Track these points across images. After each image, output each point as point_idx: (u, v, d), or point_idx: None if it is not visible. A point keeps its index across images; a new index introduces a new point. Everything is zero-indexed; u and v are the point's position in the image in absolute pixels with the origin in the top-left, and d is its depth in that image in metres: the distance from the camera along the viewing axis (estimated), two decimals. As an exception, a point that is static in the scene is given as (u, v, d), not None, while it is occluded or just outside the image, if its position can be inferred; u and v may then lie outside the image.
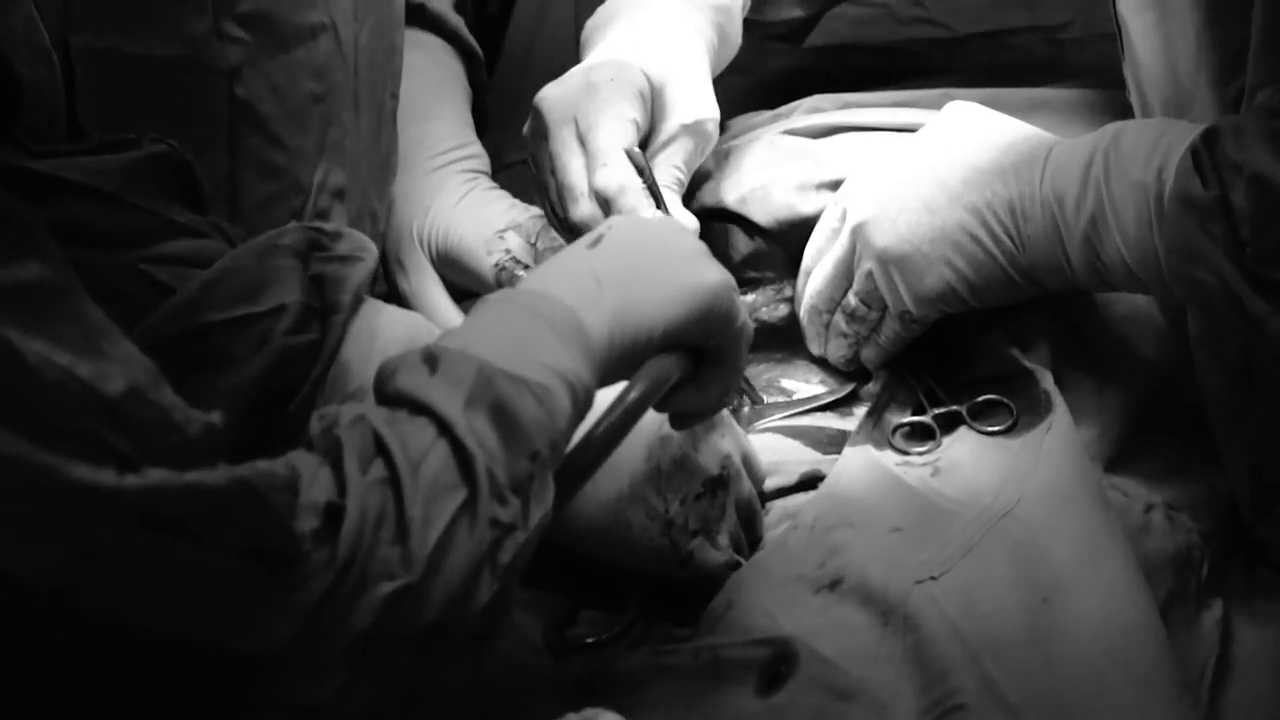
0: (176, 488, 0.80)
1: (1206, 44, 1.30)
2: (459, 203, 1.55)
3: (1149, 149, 1.25)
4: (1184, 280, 1.22)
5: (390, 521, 0.87)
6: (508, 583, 0.91)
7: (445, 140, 1.58)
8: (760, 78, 1.85)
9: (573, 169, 1.38)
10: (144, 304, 1.09)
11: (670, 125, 1.43)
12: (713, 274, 1.07)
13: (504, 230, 1.50)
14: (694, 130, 1.43)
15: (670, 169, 1.41)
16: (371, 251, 1.17)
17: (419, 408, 0.91)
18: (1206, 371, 1.33)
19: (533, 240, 1.51)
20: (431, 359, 0.93)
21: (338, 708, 0.85)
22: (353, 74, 1.33)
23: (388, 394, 0.93)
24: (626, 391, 1.03)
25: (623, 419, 1.02)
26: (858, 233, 1.37)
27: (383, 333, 1.15)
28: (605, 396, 1.02)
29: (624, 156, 1.37)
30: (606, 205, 1.36)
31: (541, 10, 2.01)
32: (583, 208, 1.38)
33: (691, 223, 1.39)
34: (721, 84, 1.72)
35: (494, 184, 1.59)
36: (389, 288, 1.56)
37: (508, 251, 1.49)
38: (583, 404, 0.97)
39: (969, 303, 1.35)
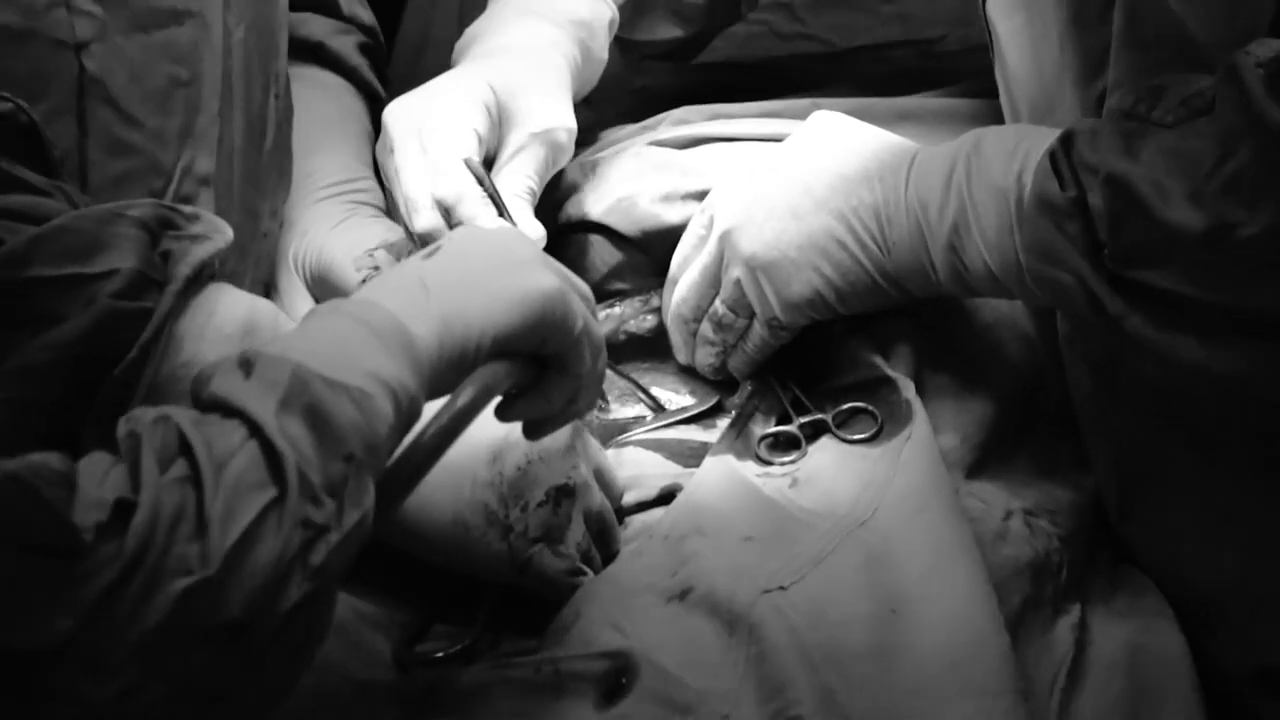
0: None
1: (1070, 46, 1.29)
2: (335, 227, 1.53)
3: (1008, 154, 1.25)
4: (1044, 281, 1.21)
5: (189, 518, 0.85)
6: (321, 585, 0.89)
7: (334, 174, 1.57)
8: (643, 97, 1.84)
9: (415, 180, 1.37)
10: None
11: (519, 135, 1.42)
12: (546, 280, 1.05)
13: (374, 249, 1.48)
14: (544, 139, 1.42)
15: (521, 178, 1.40)
16: (224, 234, 1.15)
17: (230, 410, 0.89)
18: (1074, 371, 1.33)
19: (403, 258, 1.48)
20: (247, 363, 0.92)
21: (129, 705, 0.82)
22: (222, 65, 1.31)
23: (202, 400, 0.91)
24: (454, 398, 1.01)
25: (450, 425, 1.00)
26: (725, 239, 1.36)
27: (221, 311, 1.12)
28: (437, 406, 1.00)
29: (462, 165, 1.36)
30: (448, 214, 1.35)
31: (425, 28, 2.00)
32: (424, 218, 1.37)
33: (537, 231, 1.38)
34: (604, 102, 1.71)
35: (378, 212, 1.57)
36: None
37: (376, 268, 1.47)
38: (407, 411, 0.95)
39: (836, 309, 1.34)
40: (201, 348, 1.09)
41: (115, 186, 1.22)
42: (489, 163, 1.40)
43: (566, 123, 1.44)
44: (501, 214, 1.36)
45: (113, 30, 1.21)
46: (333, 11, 1.64)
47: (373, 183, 1.59)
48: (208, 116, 1.29)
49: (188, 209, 1.14)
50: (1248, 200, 1.08)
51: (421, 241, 1.36)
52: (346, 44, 1.64)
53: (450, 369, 1.00)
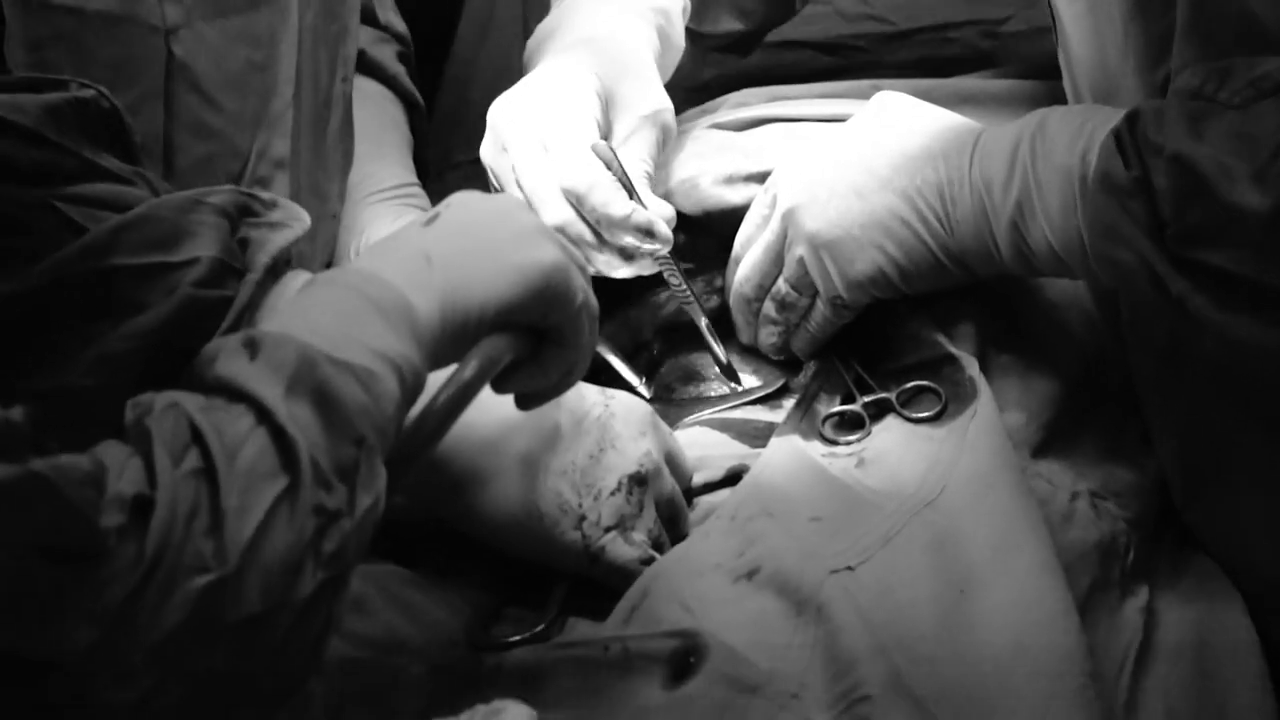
0: None
1: (1134, 31, 1.29)
2: (394, 223, 1.55)
3: (1073, 133, 1.25)
4: (1106, 261, 1.21)
5: (204, 513, 0.83)
6: (336, 573, 0.87)
7: (387, 180, 1.60)
8: (712, 87, 1.84)
9: (538, 174, 1.36)
10: (53, 240, 1.05)
11: (629, 119, 1.42)
12: (548, 252, 1.03)
13: None
14: (653, 121, 1.42)
15: (637, 162, 1.40)
16: (303, 221, 1.15)
17: (237, 394, 0.87)
18: (1137, 354, 1.33)
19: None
20: (251, 343, 0.89)
21: (151, 708, 0.80)
22: (296, 49, 1.33)
23: (206, 381, 0.89)
24: (459, 372, 1.00)
25: (455, 399, 0.99)
26: (789, 218, 1.36)
27: None
28: (439, 379, 0.99)
29: (590, 153, 1.35)
30: (578, 203, 1.34)
31: (489, 11, 2.01)
32: (554, 210, 1.35)
33: (667, 211, 1.38)
34: (674, 92, 1.73)
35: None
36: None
37: None
38: (412, 387, 0.94)
39: (899, 288, 1.34)
40: None
41: (198, 170, 1.24)
42: None
43: (669, 104, 1.44)
44: (632, 197, 1.35)
45: (196, 16, 1.23)
46: (369, 20, 1.66)
47: (420, 189, 1.62)
48: (282, 101, 1.31)
49: (265, 195, 1.14)
50: None
51: None
52: (386, 53, 1.67)
53: (452, 342, 0.99)
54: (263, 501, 0.84)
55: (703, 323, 1.43)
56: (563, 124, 1.37)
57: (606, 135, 1.41)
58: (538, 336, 1.05)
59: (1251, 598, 1.27)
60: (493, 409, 1.13)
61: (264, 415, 0.86)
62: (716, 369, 1.44)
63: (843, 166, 1.34)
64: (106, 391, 1.02)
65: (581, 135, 1.37)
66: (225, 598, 0.82)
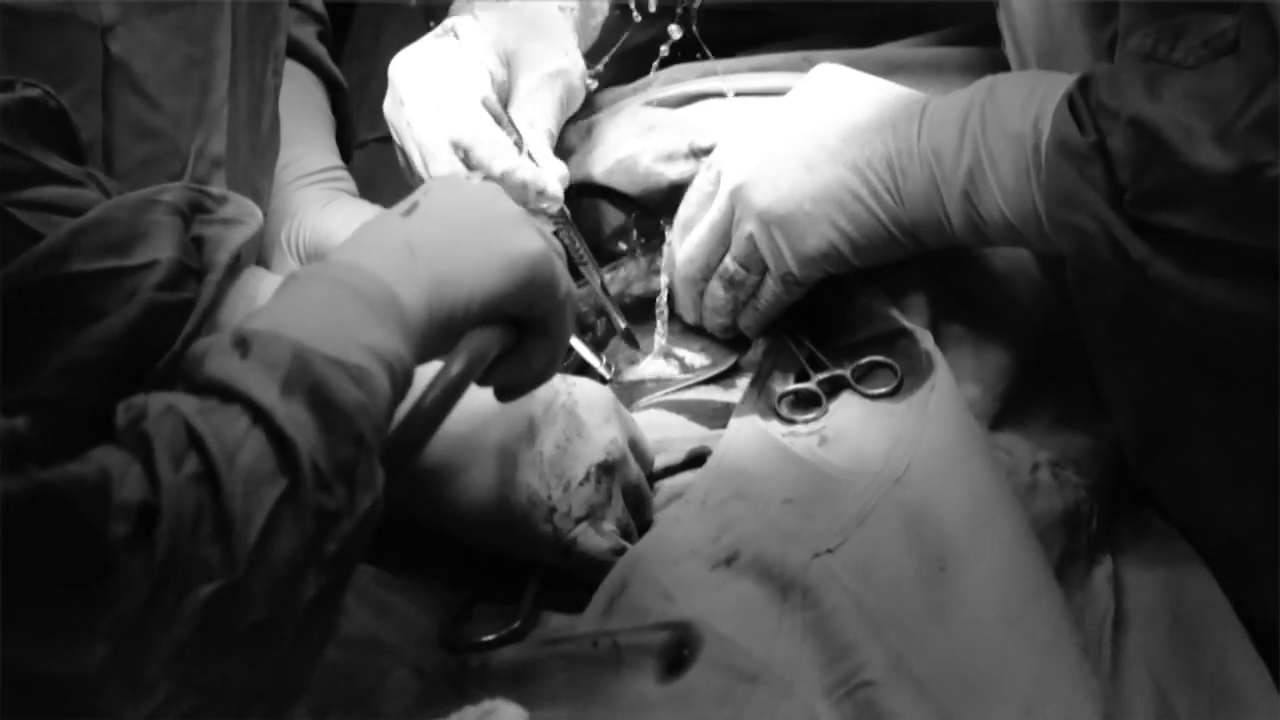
0: None
1: None
2: (325, 206, 1.54)
3: (1024, 100, 1.24)
4: (1064, 228, 1.20)
5: (208, 519, 0.81)
6: (337, 575, 0.86)
7: (315, 163, 1.58)
8: (637, 55, 1.82)
9: (430, 127, 1.36)
10: (7, 249, 1.03)
11: (532, 77, 1.41)
12: (532, 241, 1.02)
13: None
14: (557, 79, 1.42)
15: (538, 119, 1.40)
16: (256, 217, 1.13)
17: (230, 395, 0.85)
18: (1089, 319, 1.32)
19: None
20: (242, 342, 0.87)
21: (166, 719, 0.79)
22: (231, 43, 1.31)
23: (197, 381, 0.87)
24: (448, 367, 0.98)
25: (445, 395, 0.98)
26: (736, 195, 1.34)
27: (261, 297, 1.10)
28: (425, 373, 0.98)
29: (479, 106, 1.35)
30: (466, 157, 1.34)
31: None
32: (442, 164, 1.35)
33: (559, 170, 1.37)
34: (597, 58, 1.71)
35: (360, 199, 1.58)
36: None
37: None
38: (402, 383, 0.92)
39: (851, 262, 1.33)
40: None
41: (140, 172, 1.22)
42: (503, 107, 1.39)
43: (577, 64, 1.44)
44: (522, 152, 1.35)
45: (135, 12, 1.21)
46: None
47: (345, 171, 1.61)
48: (218, 96, 1.28)
49: (215, 190, 1.12)
50: (1277, 140, 1.08)
51: None
52: (307, 33, 1.65)
53: (439, 335, 0.97)
54: (265, 505, 0.83)
55: (597, 282, 1.41)
56: (455, 79, 1.37)
57: (507, 93, 1.41)
58: (520, 327, 1.04)
59: (1209, 555, 1.28)
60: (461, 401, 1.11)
61: (260, 416, 0.85)
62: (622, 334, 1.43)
63: (790, 140, 1.33)
64: (69, 403, 0.99)
65: (472, 90, 1.37)
66: (234, 605, 0.81)
